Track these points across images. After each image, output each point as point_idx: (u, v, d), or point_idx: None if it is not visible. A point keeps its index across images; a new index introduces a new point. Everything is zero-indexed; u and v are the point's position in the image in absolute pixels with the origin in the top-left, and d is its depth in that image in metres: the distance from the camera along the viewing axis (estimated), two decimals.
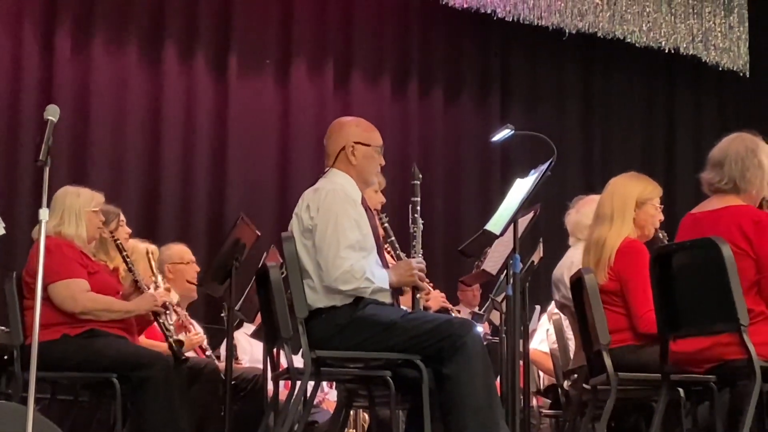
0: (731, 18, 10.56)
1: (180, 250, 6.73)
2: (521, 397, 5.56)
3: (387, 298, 4.53)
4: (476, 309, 8.04)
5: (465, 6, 9.33)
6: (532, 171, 4.90)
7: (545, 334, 6.65)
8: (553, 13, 9.73)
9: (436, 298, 5.88)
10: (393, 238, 4.84)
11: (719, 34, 10.48)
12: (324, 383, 6.87)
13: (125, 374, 5.11)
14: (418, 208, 4.84)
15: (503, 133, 5.36)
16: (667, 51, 10.30)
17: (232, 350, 5.83)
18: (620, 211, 5.01)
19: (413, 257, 4.76)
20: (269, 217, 8.42)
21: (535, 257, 5.83)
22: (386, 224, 4.91)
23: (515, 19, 9.58)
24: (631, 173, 5.23)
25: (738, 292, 4.11)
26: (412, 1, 9.25)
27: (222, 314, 6.68)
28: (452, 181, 9.75)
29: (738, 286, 4.11)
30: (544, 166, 4.81)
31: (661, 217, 5.19)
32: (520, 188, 4.88)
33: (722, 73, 10.62)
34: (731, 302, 4.10)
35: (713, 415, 4.75)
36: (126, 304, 5.44)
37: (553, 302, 6.29)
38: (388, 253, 5.19)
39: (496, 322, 6.79)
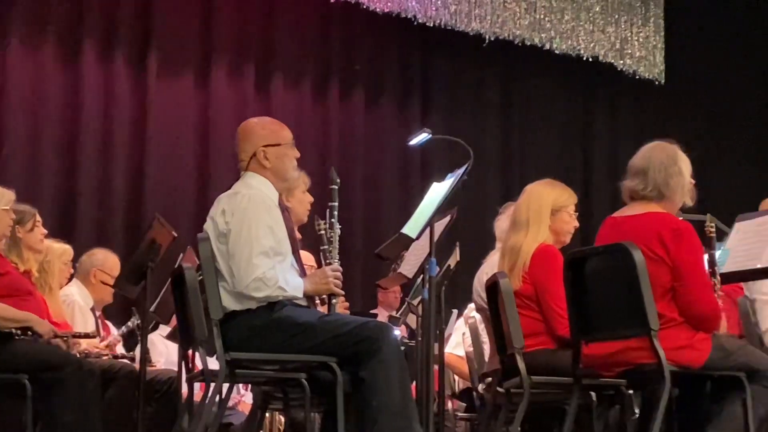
0: (648, 27, 10.73)
1: (114, 264, 6.70)
2: (437, 400, 5.59)
3: (302, 303, 4.53)
4: (395, 312, 8.06)
5: (386, 10, 9.36)
6: (449, 175, 4.93)
7: (461, 338, 6.70)
8: (474, 19, 9.79)
9: None
10: (326, 246, 4.83)
11: (636, 43, 10.65)
12: (240, 385, 6.85)
13: (36, 375, 5.04)
14: (336, 212, 4.83)
15: (420, 137, 5.39)
16: (585, 59, 10.44)
17: (146, 352, 5.79)
18: (536, 218, 5.08)
19: (330, 263, 4.76)
20: (188, 219, 8.36)
21: (452, 261, 5.86)
22: (322, 232, 4.90)
23: (436, 25, 9.63)
24: (547, 180, 5.30)
25: (649, 297, 4.18)
26: (333, 5, 9.24)
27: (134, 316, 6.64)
28: (372, 185, 9.76)
29: (649, 291, 4.19)
30: (460, 171, 4.84)
31: (576, 224, 5.27)
32: (437, 192, 4.91)
33: (638, 81, 10.78)
34: (642, 307, 4.18)
35: (623, 419, 4.83)
36: (22, 315, 5.22)
37: (469, 306, 6.34)
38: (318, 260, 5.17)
39: (413, 325, 6.81)
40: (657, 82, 10.80)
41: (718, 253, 5.03)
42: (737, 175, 10.58)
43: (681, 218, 4.60)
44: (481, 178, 9.93)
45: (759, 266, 4.76)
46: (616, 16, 10.57)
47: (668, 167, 4.53)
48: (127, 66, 8.69)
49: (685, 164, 4.58)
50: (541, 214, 5.09)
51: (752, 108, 11.40)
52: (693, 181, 4.59)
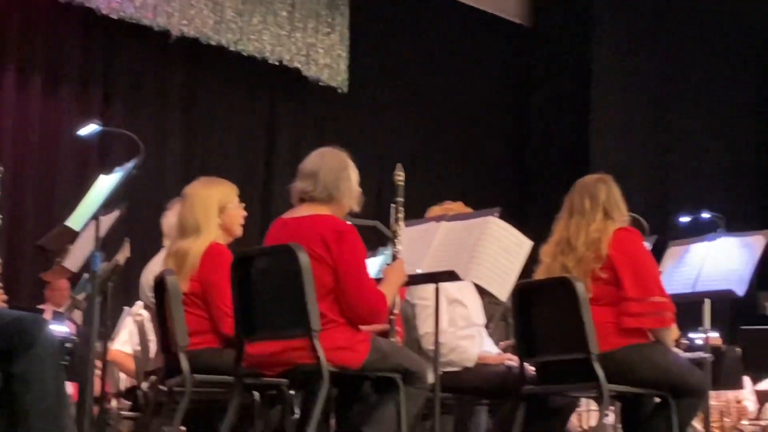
0: (333, 36, 10.94)
1: None
2: (102, 398, 5.49)
3: None
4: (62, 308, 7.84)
5: None
6: (117, 168, 4.84)
7: (128, 335, 6.60)
8: (160, 14, 9.68)
9: None
10: None
11: (321, 50, 10.84)
12: None
13: None
14: None
15: (89, 129, 5.27)
16: (271, 62, 10.52)
17: None
18: (205, 221, 5.03)
19: None
20: None
21: (121, 257, 5.76)
22: None
23: (120, 17, 9.46)
24: (205, 179, 5.25)
25: (312, 298, 4.25)
26: None
27: None
28: (46, 176, 9.46)
29: (312, 293, 4.26)
30: (129, 164, 4.76)
31: (244, 213, 5.25)
32: (104, 185, 4.81)
33: (323, 88, 10.97)
34: (304, 308, 4.24)
35: (284, 419, 4.89)
36: None
37: (137, 303, 6.25)
38: None
39: (80, 321, 6.65)
40: (340, 90, 11.02)
41: (381, 258, 5.19)
42: (419, 182, 10.96)
43: (348, 222, 4.69)
44: (161, 174, 9.84)
45: (419, 272, 4.93)
46: (303, 22, 10.71)
47: (338, 172, 4.63)
48: None
49: (353, 171, 4.70)
50: (209, 216, 5.05)
51: (431, 118, 11.88)
52: (360, 189, 4.70)
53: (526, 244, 4.99)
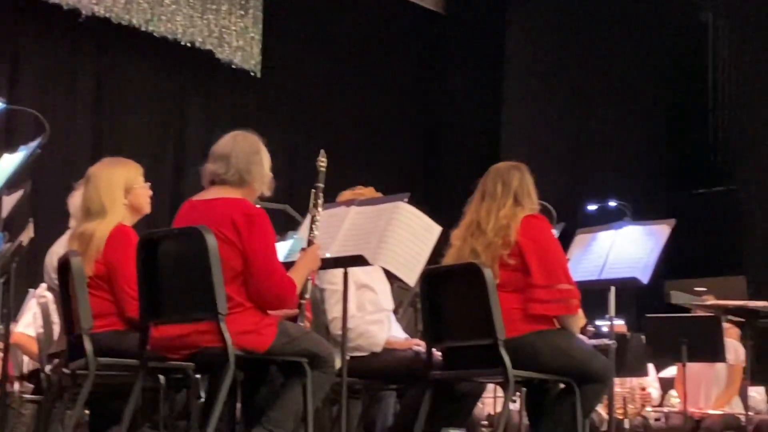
0: (246, 18, 10.87)
1: None
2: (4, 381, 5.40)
3: None
4: None
5: None
6: (22, 147, 4.75)
7: (32, 318, 6.49)
8: None
9: None
10: None
11: (234, 33, 10.76)
12: None
13: None
14: None
15: None
16: (183, 44, 10.42)
17: None
18: (110, 203, 4.95)
19: None
20: None
21: (24, 237, 5.65)
22: None
23: None
24: (109, 160, 5.15)
25: (219, 282, 4.22)
26: None
27: None
28: None
29: (219, 276, 4.23)
30: (34, 143, 4.68)
31: (150, 191, 5.18)
32: (7, 164, 4.72)
33: (236, 71, 10.90)
34: (211, 291, 4.21)
35: (189, 403, 4.85)
36: None
37: (41, 285, 6.15)
38: None
39: None
40: (253, 74, 10.96)
41: (290, 242, 5.17)
42: (331, 167, 10.95)
43: (258, 206, 4.66)
44: (70, 154, 9.71)
45: (328, 256, 4.92)
46: (217, 5, 10.63)
47: (250, 155, 4.62)
48: None
49: (266, 156, 4.68)
50: (115, 197, 4.96)
51: (344, 103, 11.88)
52: (271, 174, 4.68)
53: (435, 229, 5.00)
